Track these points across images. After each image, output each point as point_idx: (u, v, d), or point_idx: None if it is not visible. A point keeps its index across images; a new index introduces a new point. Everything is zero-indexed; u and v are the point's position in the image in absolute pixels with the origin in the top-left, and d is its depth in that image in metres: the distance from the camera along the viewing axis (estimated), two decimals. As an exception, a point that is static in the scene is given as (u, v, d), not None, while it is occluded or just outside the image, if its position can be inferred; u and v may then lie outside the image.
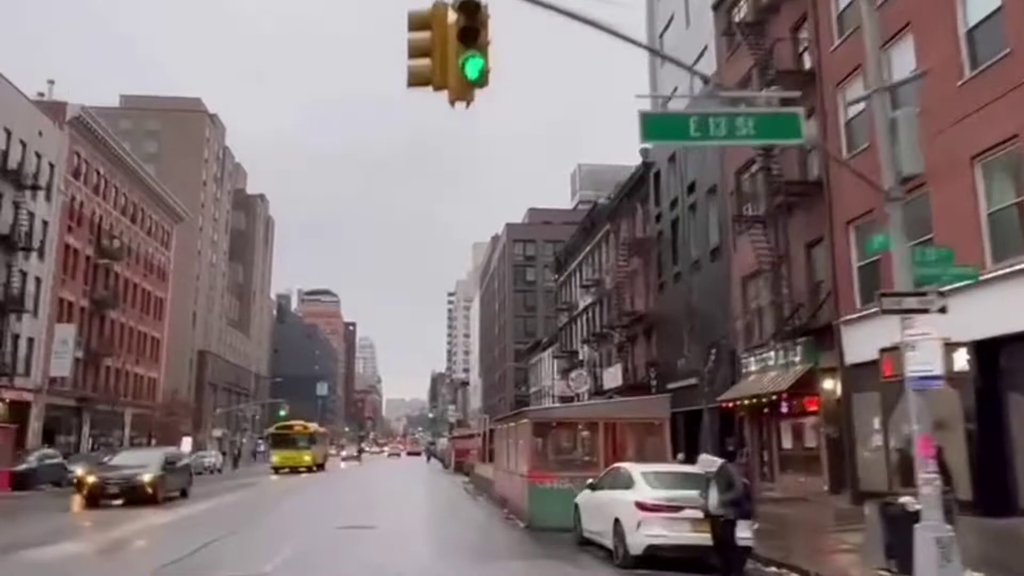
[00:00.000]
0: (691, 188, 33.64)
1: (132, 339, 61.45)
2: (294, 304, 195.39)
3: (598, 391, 44.67)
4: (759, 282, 25.97)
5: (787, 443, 24.90)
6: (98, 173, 55.31)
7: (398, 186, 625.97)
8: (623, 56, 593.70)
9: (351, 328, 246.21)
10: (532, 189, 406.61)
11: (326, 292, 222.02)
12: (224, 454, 66.26)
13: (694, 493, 10.66)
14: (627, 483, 12.08)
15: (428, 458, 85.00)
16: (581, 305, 53.47)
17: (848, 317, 19.84)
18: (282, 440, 52.65)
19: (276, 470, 49.64)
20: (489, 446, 32.42)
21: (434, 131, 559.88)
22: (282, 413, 74.48)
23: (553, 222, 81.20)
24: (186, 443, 58.56)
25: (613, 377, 43.24)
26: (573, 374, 48.55)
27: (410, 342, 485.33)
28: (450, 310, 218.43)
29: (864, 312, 18.44)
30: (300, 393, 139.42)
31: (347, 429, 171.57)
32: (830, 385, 21.33)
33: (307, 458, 51.45)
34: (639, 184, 41.50)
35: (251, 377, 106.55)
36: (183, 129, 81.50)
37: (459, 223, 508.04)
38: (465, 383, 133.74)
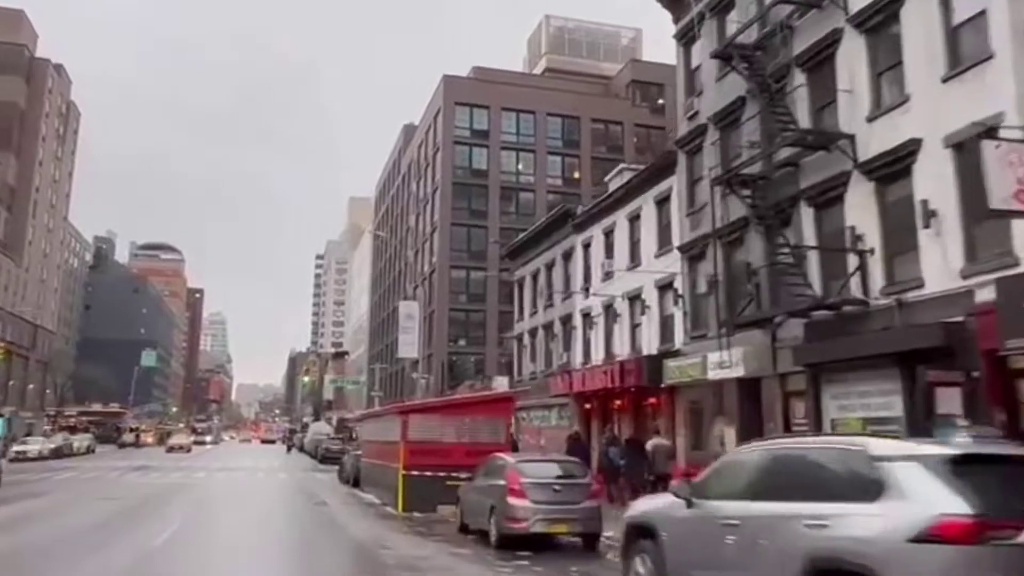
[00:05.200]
0: None
1: None
2: (122, 257, 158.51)
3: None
4: None
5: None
6: None
7: (232, 144, 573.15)
8: None
9: (198, 296, 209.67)
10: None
11: (167, 247, 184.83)
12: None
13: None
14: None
15: (289, 448, 69.62)
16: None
17: None
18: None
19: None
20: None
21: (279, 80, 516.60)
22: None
23: (517, 85, 54.82)
24: None
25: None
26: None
27: (263, 325, 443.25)
28: (318, 275, 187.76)
29: None
30: (117, 361, 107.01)
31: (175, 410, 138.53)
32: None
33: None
34: None
35: (25, 328, 73.99)
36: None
37: (312, 192, 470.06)
38: (342, 354, 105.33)
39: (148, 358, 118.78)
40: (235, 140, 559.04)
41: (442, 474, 17.33)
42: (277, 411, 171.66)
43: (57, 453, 49.45)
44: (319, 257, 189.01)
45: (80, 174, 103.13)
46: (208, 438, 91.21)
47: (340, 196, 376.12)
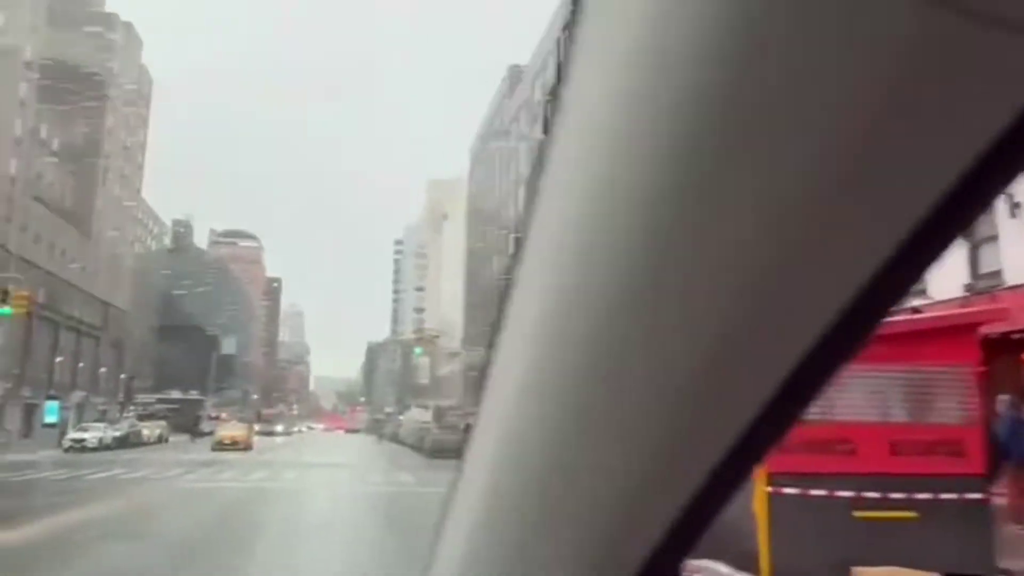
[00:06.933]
0: None
1: None
2: (200, 243, 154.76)
3: None
4: None
5: None
6: None
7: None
8: None
9: (275, 285, 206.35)
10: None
11: (246, 235, 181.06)
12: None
13: None
14: None
15: (380, 438, 65.25)
16: None
17: None
18: None
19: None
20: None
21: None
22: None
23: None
24: None
25: None
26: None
27: (337, 316, 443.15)
28: (396, 260, 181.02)
29: None
30: (197, 348, 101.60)
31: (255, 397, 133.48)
32: None
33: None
34: None
35: (97, 307, 67.72)
36: None
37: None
38: (432, 337, 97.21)
39: (228, 345, 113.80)
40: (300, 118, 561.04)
41: (847, 494, 7.57)
42: (362, 398, 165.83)
43: (123, 442, 42.11)
44: (398, 243, 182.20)
45: (154, 155, 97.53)
46: (279, 427, 79.25)
47: (416, 180, 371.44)
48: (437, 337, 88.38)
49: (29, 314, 26.42)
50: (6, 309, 24.58)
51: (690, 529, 0.62)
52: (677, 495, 0.58)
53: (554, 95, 0.53)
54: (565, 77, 0.50)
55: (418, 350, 38.11)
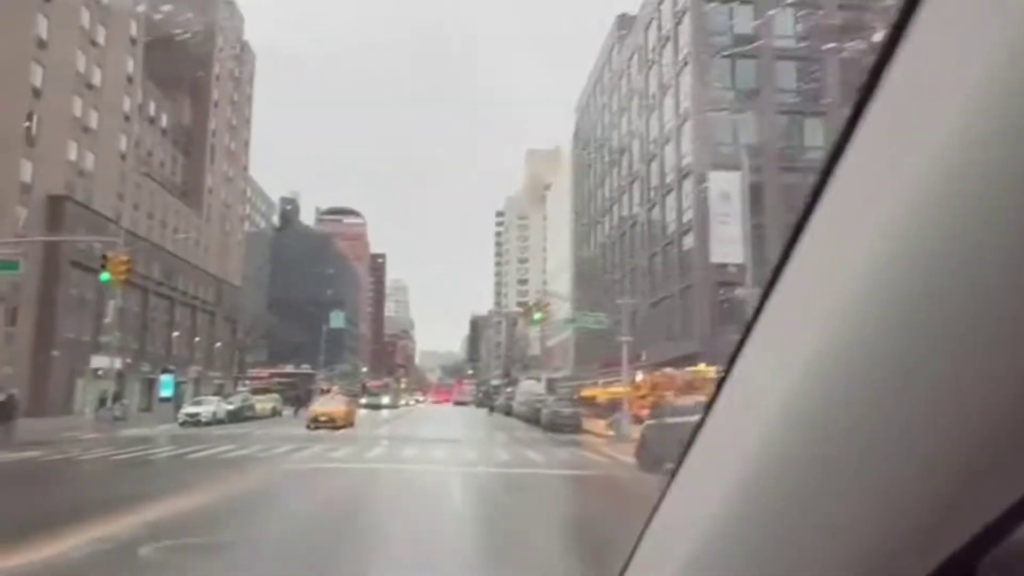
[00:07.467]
0: None
1: None
2: (306, 221, 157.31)
3: None
4: None
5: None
6: None
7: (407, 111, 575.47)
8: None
9: (380, 261, 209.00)
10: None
11: (350, 211, 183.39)
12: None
13: None
14: None
15: (491, 410, 64.45)
16: None
17: None
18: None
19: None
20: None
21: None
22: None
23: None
24: None
25: None
26: None
27: (439, 291, 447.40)
28: (498, 232, 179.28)
29: None
30: (306, 323, 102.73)
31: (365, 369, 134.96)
32: None
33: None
34: None
35: (210, 283, 68.25)
36: None
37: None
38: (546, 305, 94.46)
39: (336, 319, 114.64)
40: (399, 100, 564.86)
41: None
42: (470, 371, 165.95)
43: (236, 416, 41.44)
44: (499, 214, 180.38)
45: (258, 134, 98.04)
46: (385, 399, 74.01)
47: (516, 150, 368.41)
48: (548, 306, 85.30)
49: (127, 280, 24.97)
50: (104, 275, 23.22)
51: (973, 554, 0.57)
52: (969, 522, 0.53)
53: (874, 75, 0.46)
54: (892, 51, 0.44)
55: (538, 315, 35.30)
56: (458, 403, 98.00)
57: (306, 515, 10.24)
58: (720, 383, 0.77)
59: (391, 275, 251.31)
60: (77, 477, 15.94)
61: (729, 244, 21.89)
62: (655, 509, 0.90)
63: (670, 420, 16.59)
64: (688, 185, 39.69)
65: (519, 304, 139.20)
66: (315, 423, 33.19)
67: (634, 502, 12.08)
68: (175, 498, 11.04)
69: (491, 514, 10.90)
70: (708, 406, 0.80)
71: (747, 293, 19.36)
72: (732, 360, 0.74)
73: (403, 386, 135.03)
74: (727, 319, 36.81)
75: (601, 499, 13.69)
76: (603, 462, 19.14)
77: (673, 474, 0.86)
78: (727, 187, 22.40)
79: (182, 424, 36.32)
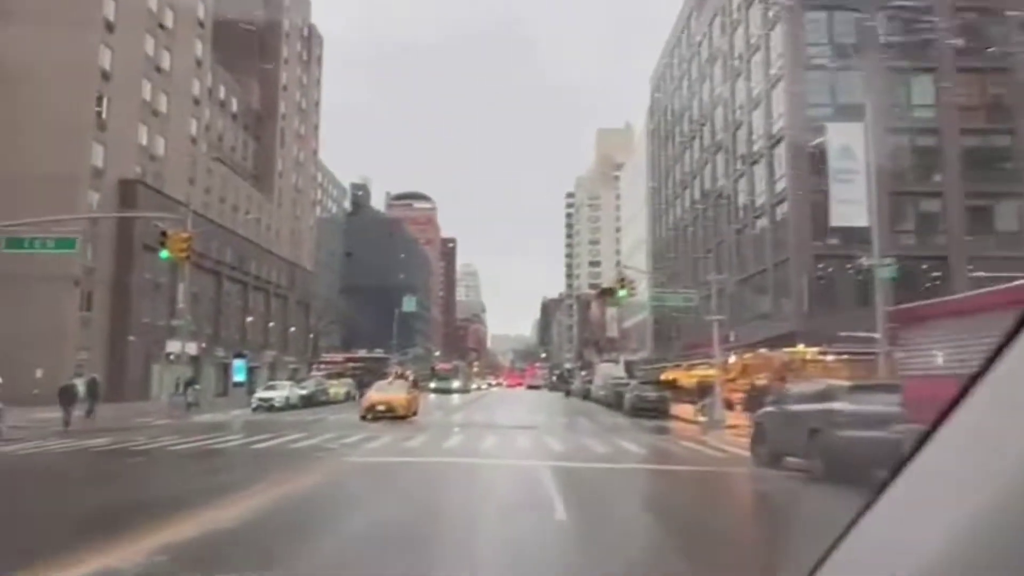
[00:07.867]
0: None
1: None
2: (377, 206, 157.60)
3: None
4: None
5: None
6: None
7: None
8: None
9: (451, 245, 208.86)
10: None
11: (420, 196, 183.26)
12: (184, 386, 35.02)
13: None
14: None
15: (567, 393, 64.04)
16: None
17: None
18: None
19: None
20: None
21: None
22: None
23: None
24: None
25: None
26: None
27: (510, 275, 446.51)
28: (569, 214, 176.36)
29: None
30: (379, 307, 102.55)
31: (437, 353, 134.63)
32: None
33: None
34: None
35: (283, 268, 68.01)
36: None
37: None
38: (611, 289, 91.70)
39: (409, 303, 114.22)
40: (455, 82, 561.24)
41: None
42: (544, 355, 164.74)
43: (309, 401, 40.58)
44: (569, 195, 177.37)
45: (328, 121, 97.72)
46: (455, 383, 69.58)
47: (586, 130, 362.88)
48: (633, 283, 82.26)
49: (197, 264, 23.80)
50: (164, 252, 22.04)
51: None
52: None
53: None
54: None
55: (622, 292, 32.74)
56: (531, 387, 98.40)
57: (366, 532, 8.36)
58: (965, 389, 0.65)
59: (461, 259, 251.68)
60: (122, 472, 14.55)
61: (852, 205, 19.11)
62: (852, 523, 0.81)
63: (794, 408, 14.17)
64: (781, 151, 36.55)
65: (591, 286, 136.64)
66: (371, 412, 28.12)
67: (778, 510, 9.80)
68: (213, 507, 9.28)
69: (608, 531, 8.80)
70: (940, 417, 0.67)
71: (874, 262, 16.58)
72: (989, 362, 0.61)
73: (475, 370, 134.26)
74: (827, 295, 33.77)
75: (742, 507, 11.43)
76: (715, 455, 16.79)
77: (881, 488, 0.77)
78: (848, 140, 19.63)
79: (255, 409, 35.51)
